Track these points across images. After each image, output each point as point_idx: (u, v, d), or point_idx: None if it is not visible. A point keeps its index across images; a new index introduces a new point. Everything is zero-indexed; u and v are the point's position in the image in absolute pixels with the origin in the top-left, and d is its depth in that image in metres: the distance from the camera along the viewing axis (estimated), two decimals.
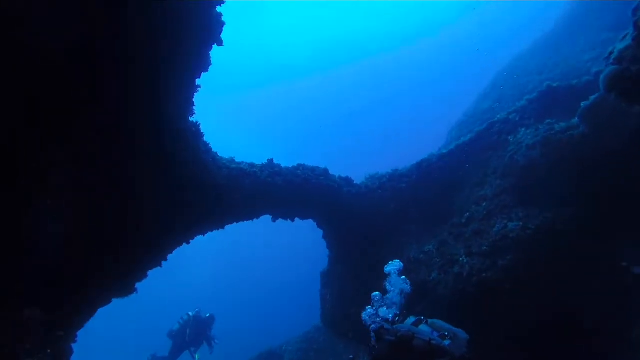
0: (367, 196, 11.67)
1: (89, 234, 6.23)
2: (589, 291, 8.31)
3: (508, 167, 9.51)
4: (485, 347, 9.65)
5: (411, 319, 6.06)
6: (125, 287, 8.03)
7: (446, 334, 5.46)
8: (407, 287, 7.71)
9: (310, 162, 10.62)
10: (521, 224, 8.71)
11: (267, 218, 10.60)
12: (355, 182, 11.75)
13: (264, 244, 62.79)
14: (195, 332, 15.79)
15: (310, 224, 12.58)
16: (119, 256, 7.16)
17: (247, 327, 54.63)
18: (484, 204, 9.83)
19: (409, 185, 11.90)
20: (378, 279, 11.53)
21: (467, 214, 10.10)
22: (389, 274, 7.96)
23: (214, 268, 65.56)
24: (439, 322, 5.78)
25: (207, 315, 16.32)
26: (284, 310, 56.35)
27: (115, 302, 7.87)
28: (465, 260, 9.34)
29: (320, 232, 12.84)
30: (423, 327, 5.72)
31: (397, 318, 6.51)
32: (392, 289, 7.67)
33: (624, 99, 6.51)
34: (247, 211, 9.14)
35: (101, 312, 7.73)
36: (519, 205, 9.12)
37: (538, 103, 10.26)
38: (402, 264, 8.27)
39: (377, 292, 7.37)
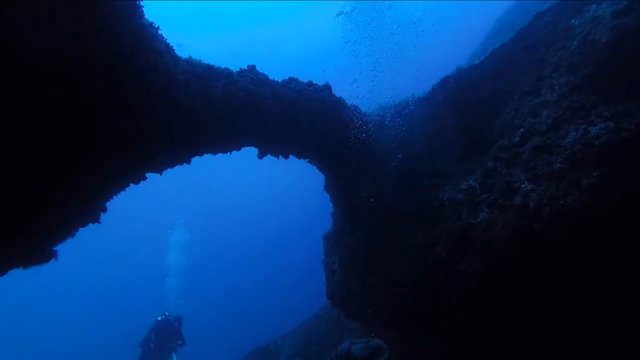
0: (381, 124, 8.96)
1: None
2: None
3: (579, 54, 6.86)
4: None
5: None
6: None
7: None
8: None
9: None
10: (611, 124, 6.10)
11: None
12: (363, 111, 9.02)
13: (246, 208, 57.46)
14: (160, 337, 13.40)
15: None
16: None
17: (233, 321, 51.60)
18: (545, 112, 7.18)
19: (434, 110, 9.23)
20: (404, 236, 8.97)
21: (521, 129, 7.46)
22: None
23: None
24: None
25: (172, 316, 14.07)
26: (277, 297, 53.37)
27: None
28: (529, 187, 6.72)
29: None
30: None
31: None
32: None
33: None
34: (220, 134, 6.30)
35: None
36: (601, 103, 6.50)
37: None
38: None
39: None
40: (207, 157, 7.18)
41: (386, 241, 8.61)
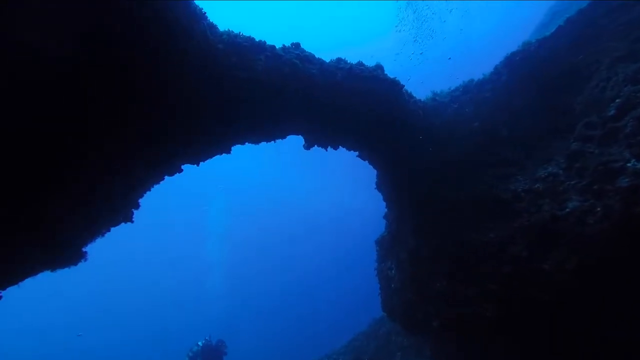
0: (437, 112, 7.97)
1: None
2: None
3: None
4: None
5: None
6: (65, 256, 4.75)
7: None
8: None
9: None
10: None
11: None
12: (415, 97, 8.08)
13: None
14: None
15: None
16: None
17: (274, 338, 50.44)
18: None
19: (497, 93, 8.15)
20: (473, 232, 7.84)
21: (617, 100, 6.25)
22: None
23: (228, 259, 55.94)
24: None
25: (216, 341, 13.67)
26: (321, 311, 51.92)
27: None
28: (638, 165, 5.50)
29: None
30: None
31: None
32: None
33: None
34: (263, 116, 5.57)
35: None
36: None
37: None
38: None
39: None
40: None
41: (452, 239, 7.52)
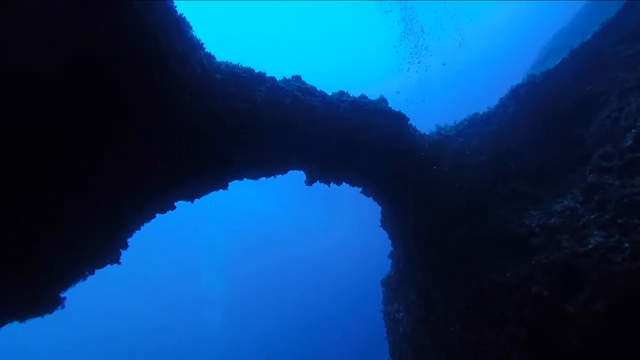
0: (443, 145, 7.71)
1: None
2: None
3: None
4: None
5: None
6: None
7: None
8: None
9: None
10: None
11: None
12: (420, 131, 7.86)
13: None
14: None
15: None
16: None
17: None
18: None
19: (503, 126, 7.92)
20: (487, 270, 7.34)
21: (633, 130, 5.99)
22: None
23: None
24: None
25: None
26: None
27: None
28: None
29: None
30: None
31: None
32: None
33: None
34: (263, 150, 5.27)
35: None
36: None
37: None
38: None
39: None
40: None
41: (464, 278, 7.02)
